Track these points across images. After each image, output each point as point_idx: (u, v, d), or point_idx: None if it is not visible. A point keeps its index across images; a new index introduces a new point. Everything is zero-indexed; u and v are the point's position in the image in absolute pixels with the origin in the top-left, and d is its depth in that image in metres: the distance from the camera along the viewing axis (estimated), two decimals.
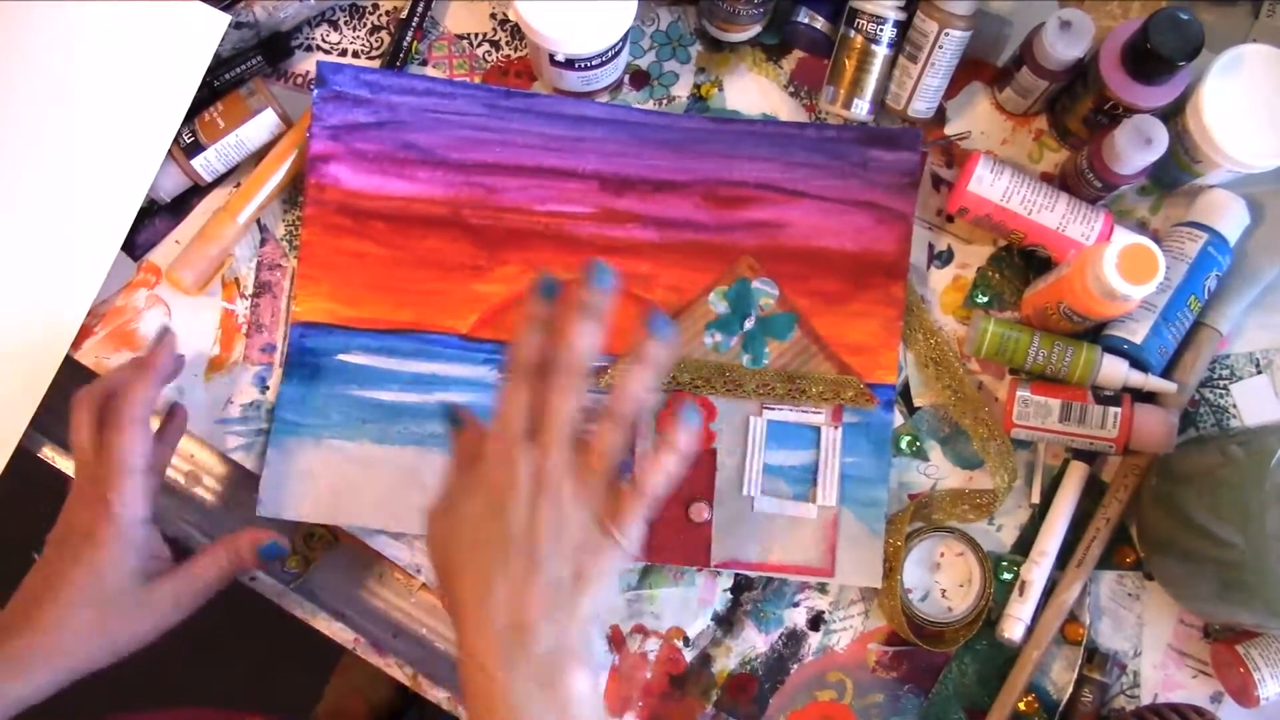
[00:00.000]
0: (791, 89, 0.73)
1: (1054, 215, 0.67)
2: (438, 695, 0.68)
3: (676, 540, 0.68)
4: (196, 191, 0.72)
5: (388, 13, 0.74)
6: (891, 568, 0.68)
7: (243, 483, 0.70)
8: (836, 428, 0.69)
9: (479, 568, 0.49)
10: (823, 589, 0.69)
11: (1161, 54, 0.62)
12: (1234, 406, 0.71)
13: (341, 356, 0.70)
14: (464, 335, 0.70)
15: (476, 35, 0.74)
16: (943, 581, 0.69)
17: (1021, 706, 0.68)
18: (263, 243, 0.72)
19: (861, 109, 0.70)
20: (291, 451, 0.68)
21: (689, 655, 0.69)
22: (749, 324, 0.70)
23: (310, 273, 0.70)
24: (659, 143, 0.72)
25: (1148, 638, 0.69)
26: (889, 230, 0.71)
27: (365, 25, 0.74)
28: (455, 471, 0.53)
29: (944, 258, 0.72)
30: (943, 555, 0.69)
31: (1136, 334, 0.67)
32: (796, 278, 0.71)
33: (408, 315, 0.70)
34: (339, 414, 0.69)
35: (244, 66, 0.71)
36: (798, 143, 0.71)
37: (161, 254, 0.71)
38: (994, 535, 0.70)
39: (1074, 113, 0.69)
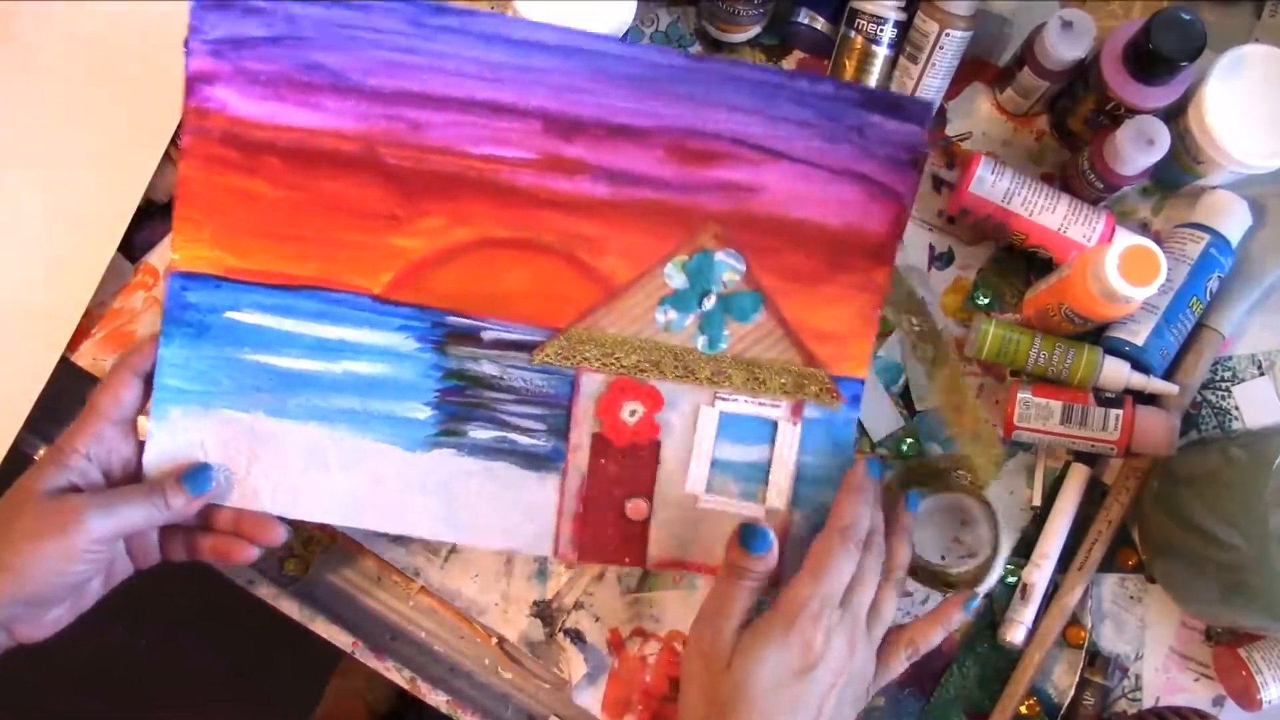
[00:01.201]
0: None
1: (1055, 216, 0.67)
2: (436, 699, 0.68)
3: (611, 538, 0.64)
4: None
5: None
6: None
7: None
8: (796, 424, 0.64)
9: (766, 716, 0.55)
10: None
11: (1163, 54, 0.62)
12: (1236, 408, 0.70)
13: (230, 314, 0.62)
14: (377, 296, 0.62)
15: None
16: (946, 537, 0.68)
17: (1023, 710, 0.68)
18: None
19: None
20: (177, 423, 0.61)
21: None
22: (708, 302, 0.64)
23: (190, 214, 0.62)
24: (621, 78, 0.62)
25: (1149, 641, 0.69)
26: (880, 209, 0.64)
27: None
28: (736, 590, 0.58)
29: (945, 259, 0.72)
30: (949, 522, 0.69)
31: (1138, 335, 0.67)
32: (766, 251, 0.64)
33: (309, 270, 0.62)
34: (230, 380, 0.62)
35: None
36: (785, 94, 0.63)
37: (159, 256, 0.71)
38: None
39: (1075, 113, 0.68)
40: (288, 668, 1.22)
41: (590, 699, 0.68)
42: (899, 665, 0.60)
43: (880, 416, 0.70)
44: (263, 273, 0.62)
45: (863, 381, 0.65)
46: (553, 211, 0.63)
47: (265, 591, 0.69)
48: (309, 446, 0.62)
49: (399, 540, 0.68)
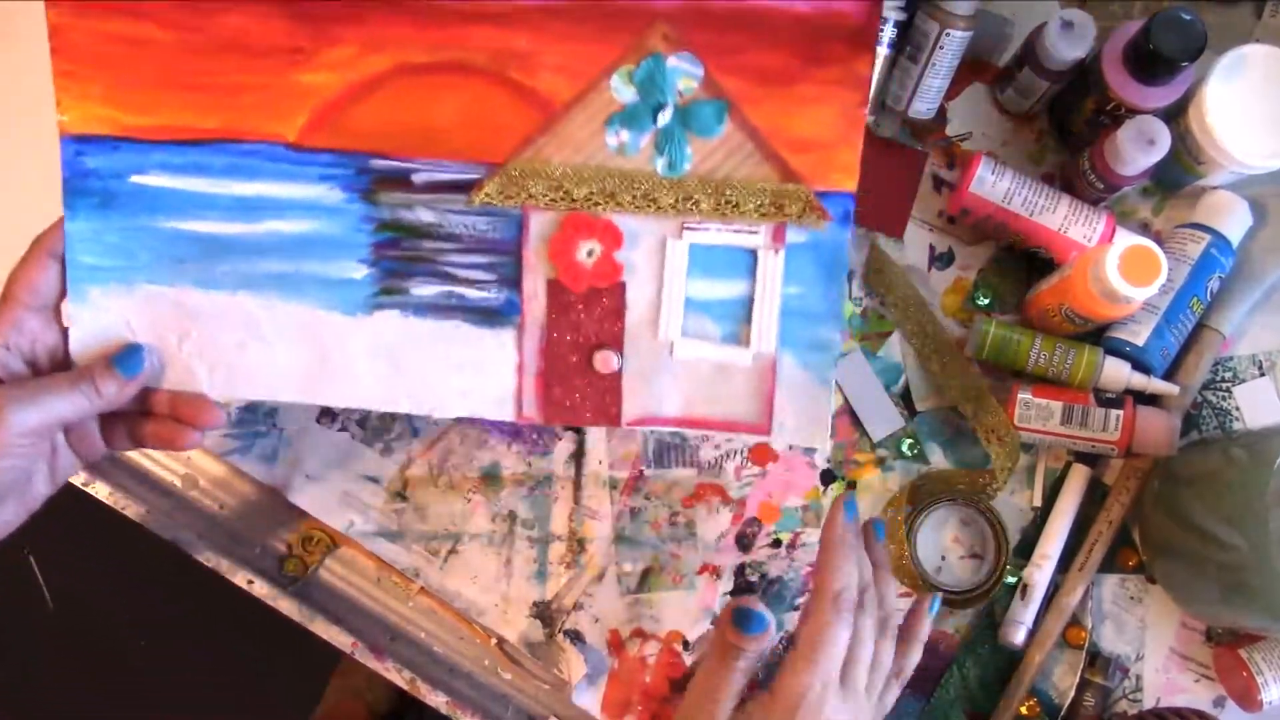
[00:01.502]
0: None
1: (1056, 216, 0.67)
2: (436, 700, 0.68)
3: (579, 396, 0.59)
4: None
5: None
6: (899, 538, 0.67)
7: (239, 486, 0.70)
8: (777, 251, 0.57)
9: None
10: None
11: (1164, 54, 0.61)
12: (1237, 409, 0.70)
13: (136, 178, 0.56)
14: (292, 144, 0.56)
15: None
16: (954, 551, 0.69)
17: (1023, 710, 0.68)
18: None
19: None
20: (98, 303, 0.56)
21: (688, 659, 0.69)
22: (664, 117, 0.56)
23: (72, 69, 0.55)
24: None
25: (1150, 641, 0.69)
26: None
27: None
28: (728, 671, 0.54)
29: (945, 259, 0.72)
30: (958, 535, 0.69)
31: (1139, 336, 0.67)
32: (726, 50, 0.55)
33: (214, 121, 0.55)
34: (148, 252, 0.56)
35: None
36: None
37: None
38: None
39: (1076, 113, 0.68)
40: (288, 668, 1.22)
41: (590, 700, 0.68)
42: (893, 698, 0.58)
43: (880, 417, 0.70)
44: (164, 128, 0.55)
45: (853, 195, 0.57)
46: (476, 25, 0.55)
47: (265, 592, 0.69)
48: (242, 319, 0.57)
49: (398, 540, 0.68)
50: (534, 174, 0.56)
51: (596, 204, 0.57)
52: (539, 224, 0.57)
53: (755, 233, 0.57)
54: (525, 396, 0.59)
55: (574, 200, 0.56)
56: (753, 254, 0.57)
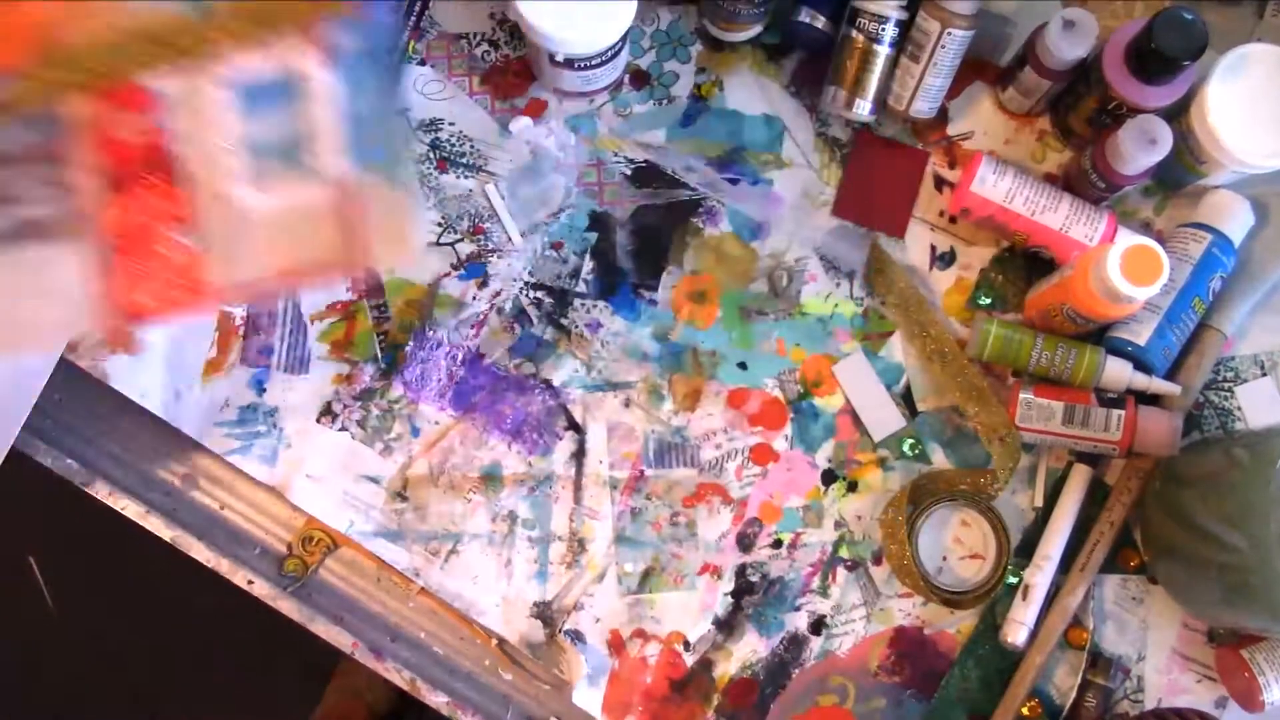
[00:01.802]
0: (792, 89, 0.73)
1: (1057, 216, 0.67)
2: (436, 700, 0.68)
3: (158, 285, 0.54)
4: None
5: None
6: (900, 538, 0.67)
7: (241, 486, 0.70)
8: (325, 60, 0.53)
9: None
10: (824, 593, 0.69)
11: (1166, 53, 0.61)
12: (1239, 409, 0.70)
13: None
14: None
15: (475, 35, 0.73)
16: (955, 551, 0.69)
17: (1025, 711, 0.67)
18: None
19: (863, 109, 0.69)
20: None
21: (689, 660, 0.69)
22: None
23: None
24: None
25: (1152, 642, 0.69)
26: None
27: None
28: None
29: (946, 259, 0.72)
30: (959, 535, 0.69)
31: (1140, 336, 0.66)
32: None
33: None
34: None
35: None
36: None
37: None
38: None
39: (1077, 113, 0.68)
40: (288, 668, 1.22)
41: (591, 700, 0.68)
42: None
43: (882, 416, 0.70)
44: None
45: None
46: None
47: (265, 592, 0.69)
48: None
49: (398, 540, 0.68)
50: (53, 64, 0.51)
51: (124, 72, 0.51)
52: (74, 114, 0.52)
53: (299, 49, 0.52)
54: (100, 303, 0.53)
55: (101, 76, 0.51)
56: (303, 76, 0.53)
